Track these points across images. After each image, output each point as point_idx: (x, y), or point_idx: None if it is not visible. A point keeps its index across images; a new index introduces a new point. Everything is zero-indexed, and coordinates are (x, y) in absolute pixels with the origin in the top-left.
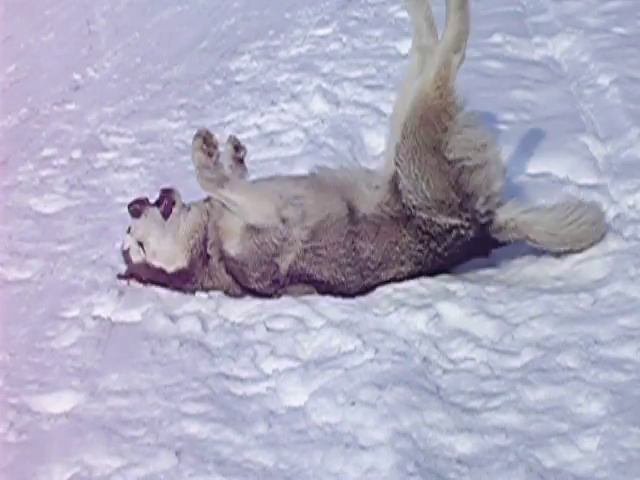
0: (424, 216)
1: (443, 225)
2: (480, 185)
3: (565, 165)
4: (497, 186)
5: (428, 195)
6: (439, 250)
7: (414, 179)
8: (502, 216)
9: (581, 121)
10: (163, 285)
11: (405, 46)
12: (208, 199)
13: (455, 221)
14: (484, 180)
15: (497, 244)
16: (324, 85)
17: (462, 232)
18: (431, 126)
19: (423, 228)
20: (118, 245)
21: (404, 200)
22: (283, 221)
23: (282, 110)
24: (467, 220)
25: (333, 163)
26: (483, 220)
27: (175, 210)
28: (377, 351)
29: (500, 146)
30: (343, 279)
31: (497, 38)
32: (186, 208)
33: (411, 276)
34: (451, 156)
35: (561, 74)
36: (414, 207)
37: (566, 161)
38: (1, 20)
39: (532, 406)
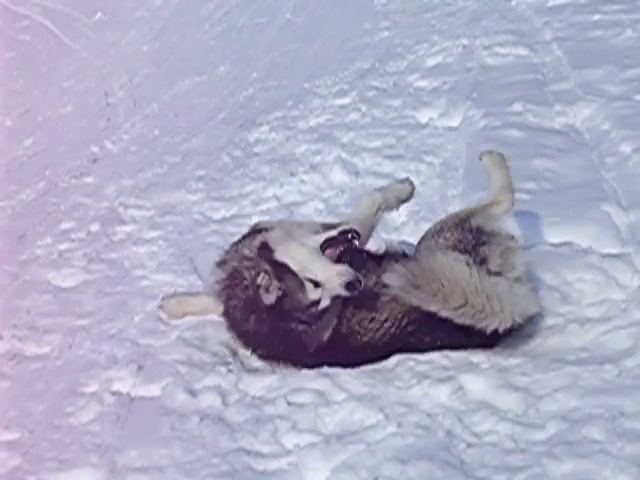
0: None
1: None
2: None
3: (588, 234)
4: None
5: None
6: None
7: None
8: None
9: (603, 190)
10: None
11: (424, 115)
12: None
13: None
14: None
15: None
16: (343, 155)
17: None
18: None
19: None
20: (137, 319)
21: None
22: None
23: (301, 181)
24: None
25: None
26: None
27: None
28: (400, 425)
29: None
30: None
31: (517, 107)
32: None
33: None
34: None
35: (582, 142)
36: None
37: (589, 230)
38: (19, 93)
39: None
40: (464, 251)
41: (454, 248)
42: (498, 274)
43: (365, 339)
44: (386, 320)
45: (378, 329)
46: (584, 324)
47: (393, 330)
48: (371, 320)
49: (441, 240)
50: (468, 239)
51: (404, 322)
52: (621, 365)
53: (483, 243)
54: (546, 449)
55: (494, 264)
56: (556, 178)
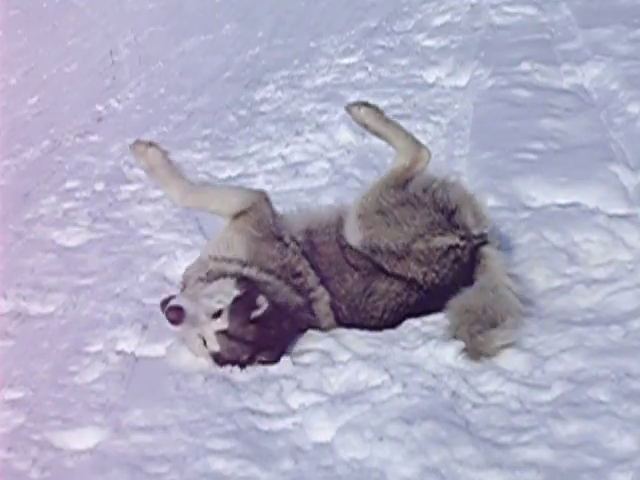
0: (421, 246)
1: (441, 247)
2: (461, 198)
3: (595, 195)
4: (480, 205)
5: (416, 223)
6: (441, 275)
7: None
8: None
9: (611, 150)
10: None
11: (431, 75)
12: None
13: (450, 240)
14: (463, 195)
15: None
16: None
17: (459, 253)
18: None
19: (422, 258)
20: (142, 278)
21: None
22: None
23: (307, 140)
24: (462, 238)
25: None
26: (476, 242)
27: None
28: (405, 385)
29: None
30: None
31: (525, 66)
32: None
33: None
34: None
35: (590, 102)
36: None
37: (596, 191)
38: (24, 51)
39: (563, 441)
40: (443, 230)
41: (431, 233)
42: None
43: (375, 314)
44: (385, 290)
45: (381, 300)
46: (591, 285)
47: (396, 296)
48: (369, 295)
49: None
50: (437, 219)
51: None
52: (628, 326)
53: (452, 212)
54: (552, 410)
55: (474, 228)
56: (564, 138)
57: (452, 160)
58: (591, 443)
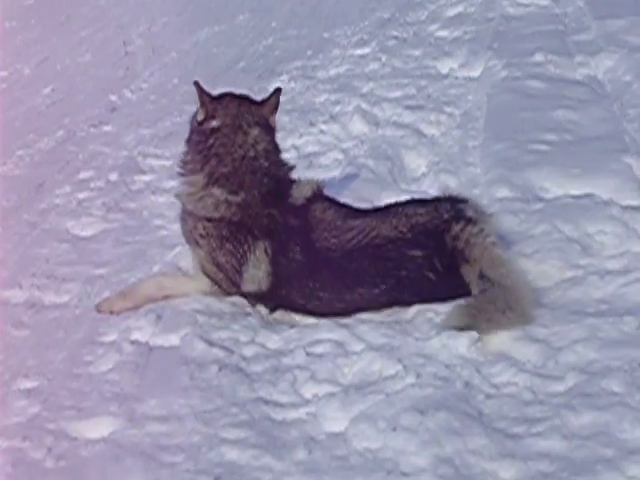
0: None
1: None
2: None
3: (609, 186)
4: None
5: None
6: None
7: None
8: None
9: (625, 141)
10: None
11: (445, 65)
12: None
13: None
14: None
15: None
16: (363, 106)
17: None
18: None
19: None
20: (155, 268)
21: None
22: None
23: (321, 131)
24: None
25: (373, 184)
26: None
27: None
28: (418, 376)
29: None
30: None
31: (539, 57)
32: None
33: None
34: None
35: (604, 93)
36: None
37: (610, 182)
38: (37, 41)
39: (576, 432)
40: None
41: None
42: None
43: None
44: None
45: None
46: (604, 276)
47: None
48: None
49: None
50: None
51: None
52: None
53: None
54: (565, 401)
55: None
56: (577, 129)
57: (465, 151)
58: (604, 434)
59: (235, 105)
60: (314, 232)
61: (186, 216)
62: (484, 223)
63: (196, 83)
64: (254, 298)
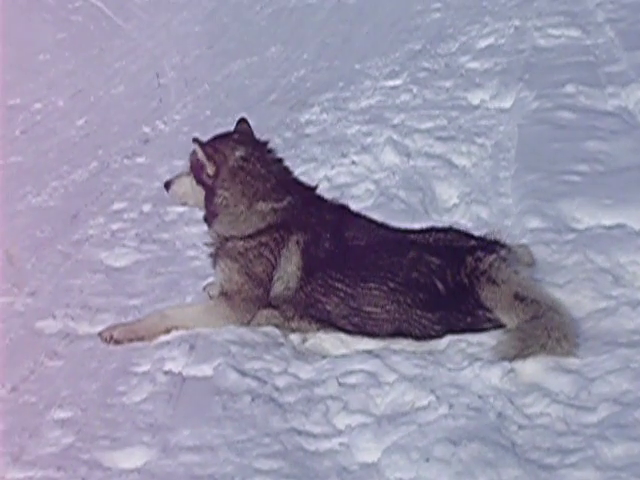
0: None
1: None
2: None
3: None
4: None
5: None
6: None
7: None
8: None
9: None
10: None
11: (476, 97)
12: None
13: None
14: None
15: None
16: (395, 137)
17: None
18: None
19: None
20: (189, 299)
21: None
22: None
23: (353, 162)
24: None
25: (405, 215)
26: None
27: None
28: (451, 406)
29: None
30: None
31: (570, 88)
32: None
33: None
34: None
35: (635, 124)
36: None
37: None
38: (71, 74)
39: (610, 463)
40: None
41: None
42: None
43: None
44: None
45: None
46: (636, 306)
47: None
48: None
49: None
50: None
51: None
52: None
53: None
54: (598, 432)
55: None
56: (608, 160)
57: (497, 182)
58: (638, 465)
59: (228, 136)
60: (346, 230)
61: (220, 243)
62: (513, 262)
63: (195, 139)
64: (280, 306)
